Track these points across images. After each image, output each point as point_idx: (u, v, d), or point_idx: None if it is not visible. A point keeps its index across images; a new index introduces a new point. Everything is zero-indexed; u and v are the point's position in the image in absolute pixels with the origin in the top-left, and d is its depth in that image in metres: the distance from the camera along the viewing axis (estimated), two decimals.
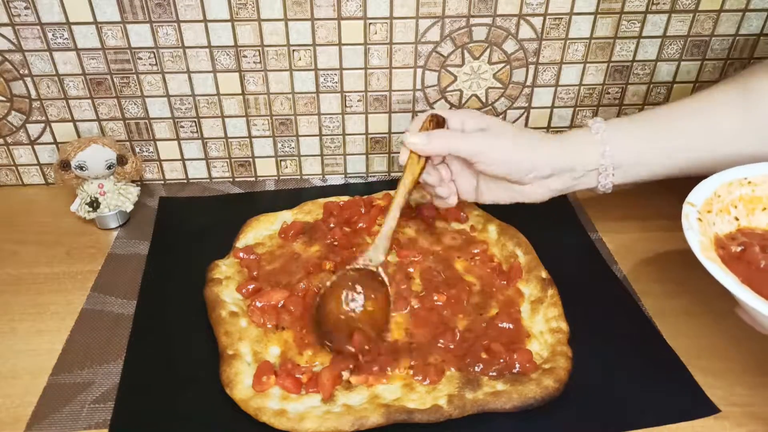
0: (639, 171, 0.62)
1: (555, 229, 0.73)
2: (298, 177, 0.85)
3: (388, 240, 0.61)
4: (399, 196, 0.61)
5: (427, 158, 0.61)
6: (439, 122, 0.62)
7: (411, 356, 0.54)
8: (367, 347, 0.54)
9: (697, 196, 0.49)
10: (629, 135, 0.61)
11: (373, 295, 0.59)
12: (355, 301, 0.59)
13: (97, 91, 0.75)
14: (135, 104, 0.77)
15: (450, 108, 0.80)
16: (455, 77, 0.78)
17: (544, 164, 0.60)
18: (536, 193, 0.63)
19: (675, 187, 0.83)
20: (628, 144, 0.61)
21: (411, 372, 0.53)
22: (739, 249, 0.46)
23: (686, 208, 0.48)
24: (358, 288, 0.59)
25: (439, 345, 0.56)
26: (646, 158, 0.62)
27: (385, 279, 0.59)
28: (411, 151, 0.60)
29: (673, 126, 0.61)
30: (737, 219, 0.51)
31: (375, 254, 0.60)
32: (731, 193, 0.51)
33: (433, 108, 0.80)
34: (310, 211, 0.74)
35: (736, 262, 0.45)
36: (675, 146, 0.61)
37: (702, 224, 0.47)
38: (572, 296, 0.61)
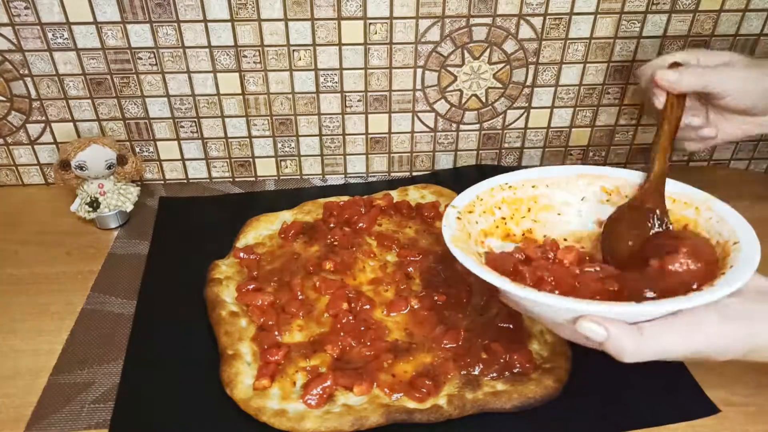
0: None
1: None
2: (298, 177, 0.85)
3: (663, 180, 0.56)
4: (665, 138, 0.56)
5: (685, 99, 0.58)
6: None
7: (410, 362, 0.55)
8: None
9: (459, 200, 0.55)
10: None
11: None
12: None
13: (97, 91, 0.75)
14: (135, 104, 0.77)
15: (450, 108, 0.80)
16: (455, 77, 0.78)
17: None
18: None
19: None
20: None
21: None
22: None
23: (448, 210, 0.53)
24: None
25: (439, 345, 0.56)
26: None
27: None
28: (667, 94, 0.58)
29: None
30: (503, 219, 0.57)
31: (655, 198, 0.55)
32: (493, 197, 0.56)
33: (433, 108, 0.80)
34: (310, 211, 0.74)
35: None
36: None
37: (460, 222, 0.52)
38: None
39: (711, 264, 0.47)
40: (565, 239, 0.57)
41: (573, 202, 0.58)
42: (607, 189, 0.57)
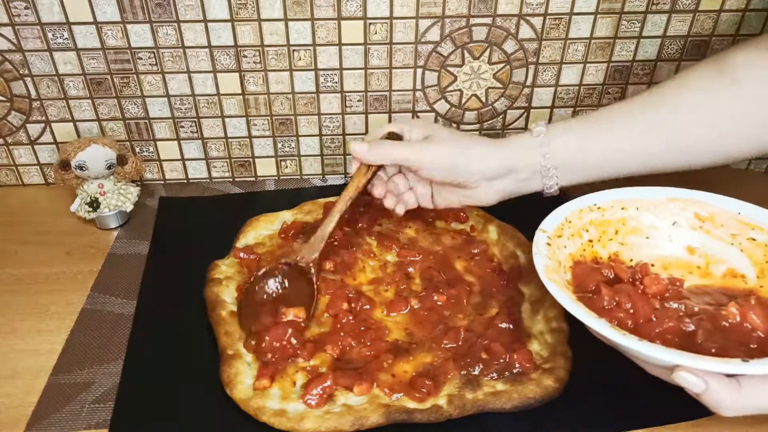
0: (588, 172, 0.60)
1: None
2: (298, 177, 0.85)
3: (323, 242, 0.62)
4: (341, 202, 0.62)
5: (377, 168, 0.62)
6: (394, 138, 0.63)
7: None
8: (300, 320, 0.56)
9: (548, 223, 0.54)
10: (571, 134, 0.59)
11: (297, 287, 0.61)
12: (278, 286, 0.61)
13: (97, 91, 0.75)
14: (135, 104, 0.77)
15: (450, 108, 0.80)
16: (455, 77, 0.78)
17: (485, 167, 0.60)
18: (485, 195, 0.62)
19: (678, 183, 0.83)
20: (570, 144, 0.59)
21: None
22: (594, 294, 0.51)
23: (538, 235, 0.52)
24: (282, 278, 0.61)
25: (439, 345, 0.56)
26: (592, 158, 0.59)
27: (314, 278, 0.61)
28: (360, 162, 0.62)
29: (617, 121, 0.59)
30: (590, 241, 0.56)
31: (308, 253, 0.62)
32: (581, 219, 0.55)
33: (433, 108, 0.80)
34: (310, 211, 0.74)
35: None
36: (618, 145, 0.59)
37: (550, 248, 0.51)
38: None
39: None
40: (652, 264, 0.56)
41: (662, 226, 0.57)
42: (700, 216, 0.56)
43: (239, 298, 0.61)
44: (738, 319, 0.47)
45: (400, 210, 0.66)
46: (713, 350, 0.45)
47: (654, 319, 0.48)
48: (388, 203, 0.65)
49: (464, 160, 0.59)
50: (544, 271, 0.48)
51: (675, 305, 0.50)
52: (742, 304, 0.48)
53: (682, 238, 0.56)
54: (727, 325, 0.48)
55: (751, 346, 0.46)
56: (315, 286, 0.61)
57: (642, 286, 0.52)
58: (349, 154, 0.83)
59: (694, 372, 0.41)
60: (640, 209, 0.57)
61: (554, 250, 0.52)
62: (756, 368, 0.41)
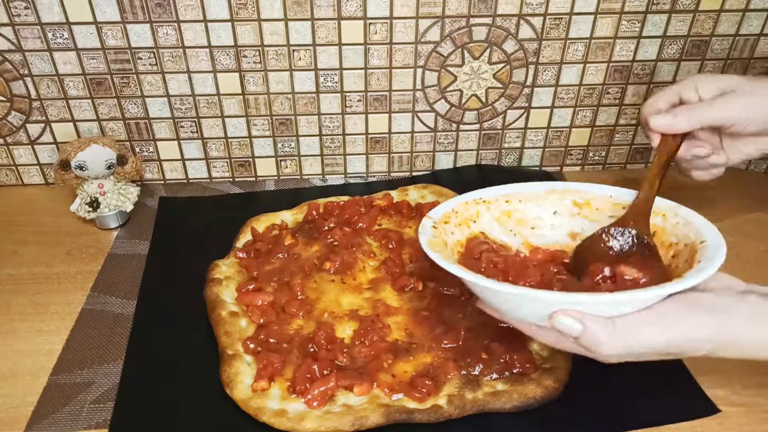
0: None
1: None
2: (298, 177, 0.85)
3: (648, 212, 0.56)
4: (651, 170, 0.57)
5: (682, 138, 0.58)
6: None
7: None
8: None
9: (434, 211, 0.57)
10: None
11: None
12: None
13: (97, 91, 0.75)
14: (135, 104, 0.77)
15: (450, 108, 0.80)
16: (455, 77, 0.78)
17: None
18: None
19: (674, 188, 0.84)
20: None
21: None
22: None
23: (423, 220, 0.55)
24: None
25: (439, 345, 0.56)
26: None
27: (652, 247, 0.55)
28: (662, 135, 0.58)
29: None
30: (482, 232, 0.58)
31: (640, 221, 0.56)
32: (468, 210, 0.58)
33: (433, 108, 0.80)
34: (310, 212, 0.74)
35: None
36: None
37: (436, 230, 0.54)
38: None
39: (660, 278, 0.48)
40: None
41: (545, 216, 0.60)
42: (578, 202, 0.59)
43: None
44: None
45: (716, 173, 0.62)
46: None
47: (532, 282, 0.51)
48: (718, 159, 0.61)
49: (754, 113, 0.57)
50: (427, 243, 0.50)
51: (553, 269, 0.54)
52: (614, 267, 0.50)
53: (563, 225, 0.59)
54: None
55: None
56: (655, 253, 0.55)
57: (522, 255, 0.57)
58: (350, 154, 0.83)
59: (571, 314, 0.42)
60: (523, 201, 0.60)
61: (440, 233, 0.54)
62: (621, 296, 0.42)
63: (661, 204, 0.55)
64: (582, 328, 0.42)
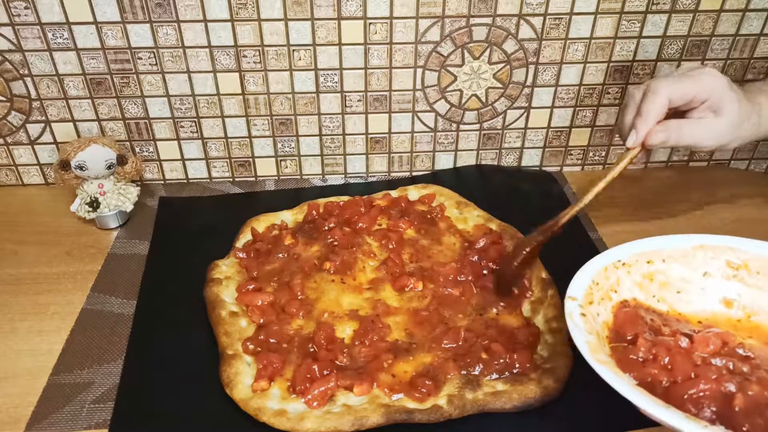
0: None
1: None
2: (298, 177, 0.85)
3: (565, 219, 0.58)
4: (612, 176, 0.59)
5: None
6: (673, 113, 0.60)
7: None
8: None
9: (576, 288, 0.48)
10: None
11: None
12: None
13: (97, 91, 0.75)
14: (135, 104, 0.77)
15: (450, 108, 0.80)
16: (455, 77, 0.78)
17: (747, 136, 0.61)
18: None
19: (675, 188, 0.83)
20: None
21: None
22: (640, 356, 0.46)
23: (569, 305, 0.46)
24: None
25: (439, 345, 0.56)
26: None
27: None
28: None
29: None
30: (625, 301, 0.51)
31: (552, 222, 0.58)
32: (608, 279, 0.50)
33: (433, 108, 0.80)
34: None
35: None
36: None
37: (586, 319, 0.46)
38: None
39: None
40: (700, 322, 0.52)
41: (693, 278, 0.52)
42: (732, 264, 0.52)
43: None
44: None
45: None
46: (760, 424, 0.40)
47: (693, 377, 0.43)
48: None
49: (735, 136, 0.60)
50: (589, 351, 0.42)
51: (719, 362, 0.44)
52: None
53: (716, 289, 0.52)
54: None
55: None
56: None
57: (689, 343, 0.46)
58: (350, 154, 0.83)
59: None
60: (666, 261, 0.52)
61: (590, 322, 0.46)
62: None
63: None
64: None
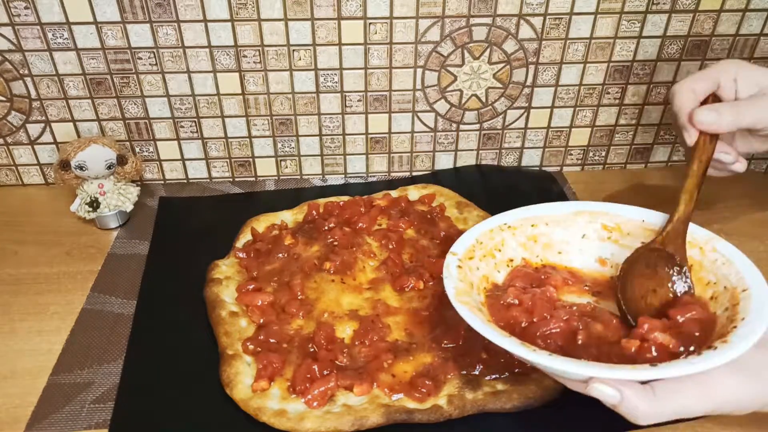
0: None
1: None
2: (298, 177, 0.85)
3: (685, 224, 0.53)
4: (691, 180, 0.54)
5: (717, 137, 0.55)
6: (715, 97, 0.56)
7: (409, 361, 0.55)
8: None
9: (459, 245, 0.54)
10: None
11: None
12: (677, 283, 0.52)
13: (97, 91, 0.75)
14: (135, 104, 0.77)
15: (450, 108, 0.80)
16: (455, 77, 0.78)
17: None
18: None
19: (675, 188, 0.83)
20: None
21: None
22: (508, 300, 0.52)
23: (448, 258, 0.52)
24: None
25: (439, 345, 0.56)
26: None
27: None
28: (700, 132, 0.55)
29: None
30: (507, 261, 0.56)
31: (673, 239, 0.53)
32: (493, 239, 0.56)
33: (433, 108, 0.80)
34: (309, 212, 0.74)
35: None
36: None
37: (461, 270, 0.51)
38: None
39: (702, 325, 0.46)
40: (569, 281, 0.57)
41: (572, 240, 0.57)
42: (608, 226, 0.56)
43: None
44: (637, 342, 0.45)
45: (742, 168, 0.59)
46: (593, 353, 0.45)
47: (549, 317, 0.49)
48: (739, 167, 0.58)
49: None
50: (454, 294, 0.48)
51: (573, 307, 0.51)
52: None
53: (592, 249, 0.57)
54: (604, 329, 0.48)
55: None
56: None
57: (552, 292, 0.53)
58: (350, 154, 0.83)
59: (608, 383, 0.40)
60: (549, 225, 0.57)
61: (466, 273, 0.52)
62: (666, 371, 0.39)
63: (696, 234, 0.52)
64: (620, 397, 0.40)
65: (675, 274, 0.51)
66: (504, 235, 0.56)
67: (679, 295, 0.50)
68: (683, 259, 0.51)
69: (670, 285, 0.51)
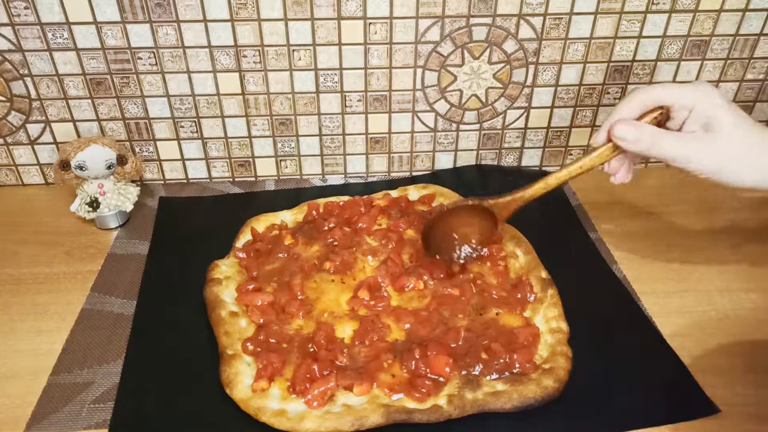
0: None
1: (555, 229, 0.73)
2: (298, 177, 0.85)
3: (521, 202, 0.62)
4: (572, 170, 0.57)
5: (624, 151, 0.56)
6: (660, 121, 0.55)
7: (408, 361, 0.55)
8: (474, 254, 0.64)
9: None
10: None
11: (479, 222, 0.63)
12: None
13: (97, 91, 0.75)
14: (135, 104, 0.77)
15: (450, 108, 0.80)
16: (455, 77, 0.78)
17: (754, 180, 0.52)
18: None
19: (675, 188, 0.83)
20: None
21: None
22: None
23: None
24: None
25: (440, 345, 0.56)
26: None
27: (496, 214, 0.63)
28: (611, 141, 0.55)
29: None
30: None
31: (501, 204, 0.62)
32: None
33: (433, 108, 0.80)
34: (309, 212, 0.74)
35: None
36: None
37: None
38: (572, 296, 0.61)
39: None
40: None
41: None
42: None
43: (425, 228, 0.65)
44: None
45: (628, 179, 0.59)
46: None
47: None
48: (622, 177, 0.59)
49: (743, 165, 0.52)
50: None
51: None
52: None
53: None
54: None
55: None
56: (497, 221, 0.63)
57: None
58: (350, 154, 0.83)
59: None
60: None
61: None
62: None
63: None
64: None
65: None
66: None
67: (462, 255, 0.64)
68: (495, 226, 0.63)
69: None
